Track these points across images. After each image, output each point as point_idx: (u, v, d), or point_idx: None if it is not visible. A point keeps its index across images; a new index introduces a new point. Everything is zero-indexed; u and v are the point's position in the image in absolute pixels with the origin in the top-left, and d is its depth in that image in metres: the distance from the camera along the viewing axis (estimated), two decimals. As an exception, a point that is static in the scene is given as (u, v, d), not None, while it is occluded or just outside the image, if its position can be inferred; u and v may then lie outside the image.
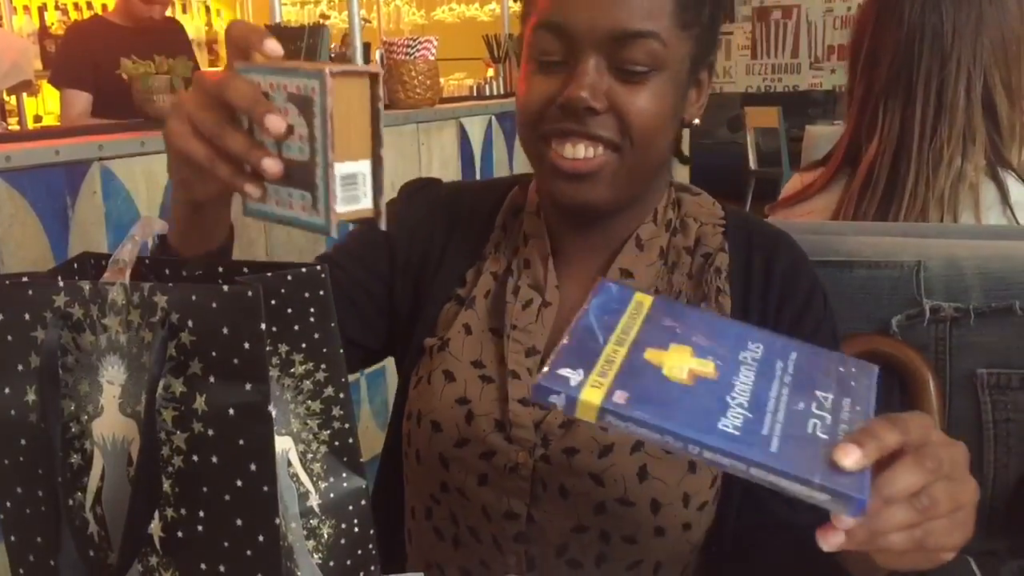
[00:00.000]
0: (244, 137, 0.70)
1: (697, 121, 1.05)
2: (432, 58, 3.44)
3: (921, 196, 1.43)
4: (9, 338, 0.71)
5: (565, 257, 1.06)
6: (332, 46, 3.17)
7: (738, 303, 1.02)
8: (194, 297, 0.65)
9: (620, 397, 0.65)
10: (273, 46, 0.70)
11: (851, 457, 0.62)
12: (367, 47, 3.49)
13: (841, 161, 1.56)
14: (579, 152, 0.96)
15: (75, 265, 0.77)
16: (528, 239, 1.07)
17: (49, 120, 5.94)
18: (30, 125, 5.13)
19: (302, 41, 2.87)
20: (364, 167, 0.69)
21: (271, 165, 0.68)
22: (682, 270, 1.04)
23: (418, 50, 3.37)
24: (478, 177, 3.63)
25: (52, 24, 6.28)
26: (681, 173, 4.81)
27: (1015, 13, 1.46)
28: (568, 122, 0.95)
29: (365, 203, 0.69)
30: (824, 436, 0.64)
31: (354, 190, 0.68)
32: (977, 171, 1.43)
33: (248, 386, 0.64)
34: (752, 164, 7.37)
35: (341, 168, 0.67)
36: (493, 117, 3.75)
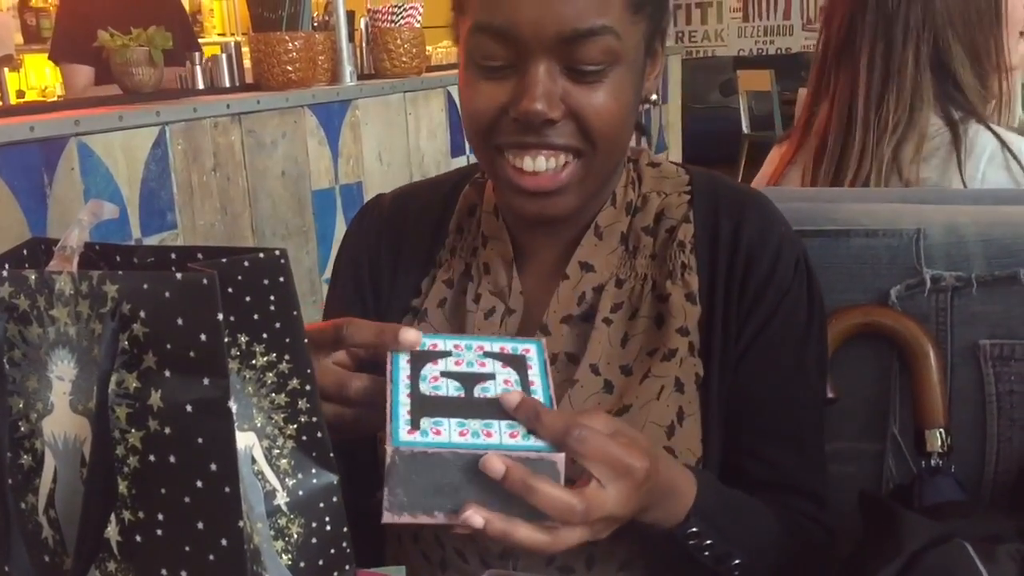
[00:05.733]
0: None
1: (655, 97, 0.98)
2: (418, 25, 3.38)
3: (867, 166, 1.39)
4: (-48, 332, 0.67)
5: (526, 256, 1.02)
6: (314, 15, 3.10)
7: (705, 278, 0.96)
8: (146, 286, 0.61)
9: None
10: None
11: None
12: (351, 15, 3.41)
13: (803, 128, 1.52)
14: (540, 165, 0.90)
15: (24, 252, 0.72)
16: (488, 241, 1.02)
17: (32, 95, 5.85)
18: (13, 100, 5.05)
19: (283, 9, 2.80)
20: None
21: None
22: (644, 252, 0.99)
23: (403, 17, 3.31)
24: (467, 148, 3.58)
25: (32, -3, 6.18)
26: (674, 142, 4.75)
27: None
28: (524, 135, 0.89)
29: None
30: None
31: None
32: (923, 136, 1.39)
33: (206, 380, 0.60)
34: (745, 128, 7.29)
35: None
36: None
